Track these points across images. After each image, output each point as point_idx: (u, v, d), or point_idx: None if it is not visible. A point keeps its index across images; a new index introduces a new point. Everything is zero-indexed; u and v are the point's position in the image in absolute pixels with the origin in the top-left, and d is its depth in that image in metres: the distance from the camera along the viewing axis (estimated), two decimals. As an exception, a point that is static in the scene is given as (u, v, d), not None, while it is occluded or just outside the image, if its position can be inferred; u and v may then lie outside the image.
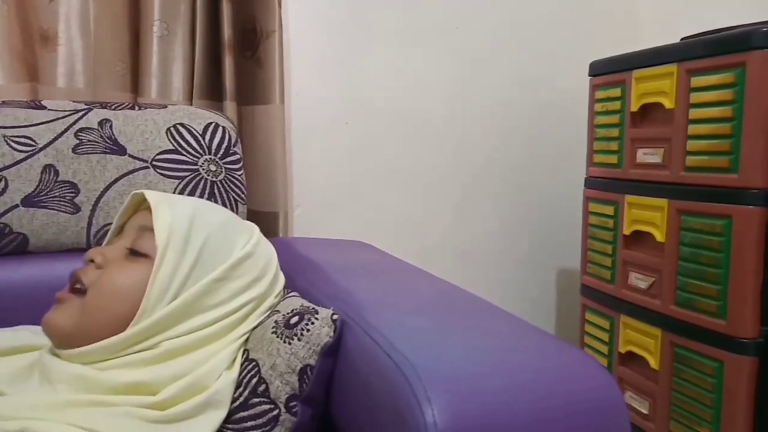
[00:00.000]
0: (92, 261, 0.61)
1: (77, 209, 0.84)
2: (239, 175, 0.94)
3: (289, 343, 0.58)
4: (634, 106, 1.06)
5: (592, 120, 1.19)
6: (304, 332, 0.58)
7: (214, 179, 0.91)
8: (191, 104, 1.11)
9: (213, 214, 0.67)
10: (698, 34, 0.99)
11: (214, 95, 1.17)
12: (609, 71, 1.14)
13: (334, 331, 0.57)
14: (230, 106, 1.14)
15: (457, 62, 1.40)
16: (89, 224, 0.84)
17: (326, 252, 0.84)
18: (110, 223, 0.85)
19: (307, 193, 1.31)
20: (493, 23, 1.42)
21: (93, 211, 0.84)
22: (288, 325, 0.59)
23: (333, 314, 0.58)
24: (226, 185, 0.92)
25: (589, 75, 1.20)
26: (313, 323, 0.58)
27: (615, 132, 1.12)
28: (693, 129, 0.93)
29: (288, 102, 1.25)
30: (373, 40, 1.34)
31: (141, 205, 0.67)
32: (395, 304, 0.62)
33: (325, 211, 1.33)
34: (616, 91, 1.11)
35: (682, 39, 1.03)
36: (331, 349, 0.57)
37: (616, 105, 1.11)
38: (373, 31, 1.34)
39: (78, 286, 0.60)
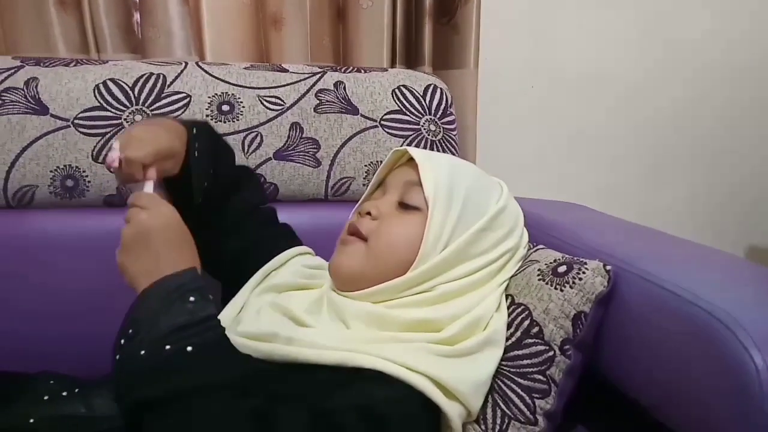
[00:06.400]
0: (368, 213, 0.67)
1: (318, 163, 0.92)
2: (454, 135, 0.98)
3: (561, 290, 0.60)
4: None
5: (822, 82, 1.09)
6: (576, 281, 0.60)
7: (433, 138, 0.95)
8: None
9: (468, 169, 0.70)
10: None
11: (409, 61, 1.21)
12: None
13: (608, 281, 0.59)
14: (426, 71, 1.18)
15: (649, 23, 1.33)
16: (328, 177, 0.92)
17: (551, 210, 0.85)
18: (345, 177, 0.93)
19: (491, 157, 1.32)
20: (691, -21, 1.33)
21: (331, 165, 0.92)
22: (556, 273, 0.62)
23: (605, 265, 0.60)
24: (444, 145, 0.96)
25: (821, 32, 1.09)
26: (584, 272, 0.60)
27: None
28: None
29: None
30: (562, 1, 1.31)
31: (398, 161, 0.72)
32: (665, 257, 0.62)
33: (507, 176, 1.33)
34: None
35: None
36: (605, 299, 0.59)
37: None
38: (562, -7, 1.31)
39: (359, 235, 0.65)
